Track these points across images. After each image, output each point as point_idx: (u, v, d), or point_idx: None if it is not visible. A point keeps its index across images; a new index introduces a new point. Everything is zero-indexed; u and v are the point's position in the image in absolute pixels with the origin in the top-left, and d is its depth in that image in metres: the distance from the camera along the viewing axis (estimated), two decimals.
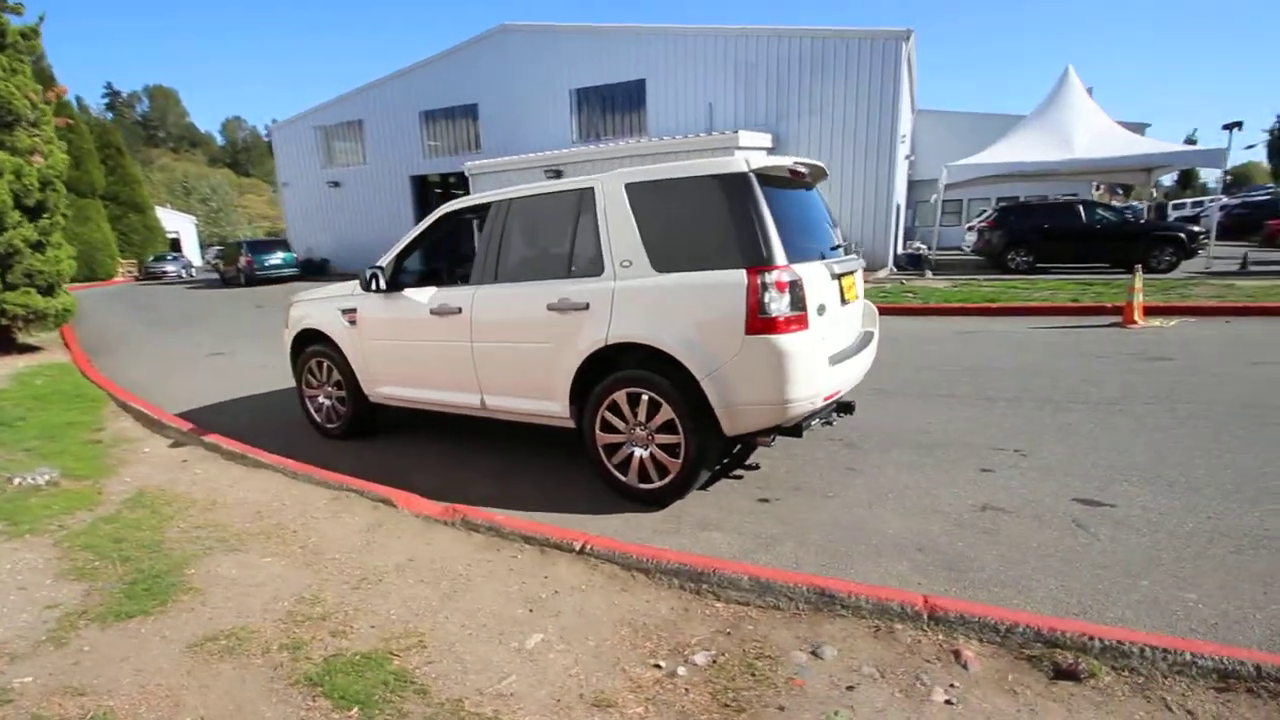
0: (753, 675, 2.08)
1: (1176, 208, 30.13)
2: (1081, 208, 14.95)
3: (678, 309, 3.21)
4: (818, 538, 3.04)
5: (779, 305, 3.02)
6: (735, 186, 3.16)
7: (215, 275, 27.41)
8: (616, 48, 19.27)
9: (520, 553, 2.90)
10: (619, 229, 3.43)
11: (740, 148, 15.12)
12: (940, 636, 2.18)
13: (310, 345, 4.89)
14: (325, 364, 4.80)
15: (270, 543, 3.09)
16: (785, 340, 3.03)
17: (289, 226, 26.63)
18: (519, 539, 2.98)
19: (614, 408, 3.47)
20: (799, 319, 3.08)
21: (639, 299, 3.31)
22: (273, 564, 2.88)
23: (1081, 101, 17.12)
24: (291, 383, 6.89)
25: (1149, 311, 8.05)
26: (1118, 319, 8.12)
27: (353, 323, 4.54)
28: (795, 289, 3.06)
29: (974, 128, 23.62)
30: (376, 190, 23.86)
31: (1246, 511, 3.06)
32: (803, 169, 3.57)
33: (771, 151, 16.83)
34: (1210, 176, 46.90)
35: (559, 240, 3.74)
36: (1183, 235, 13.52)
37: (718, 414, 3.18)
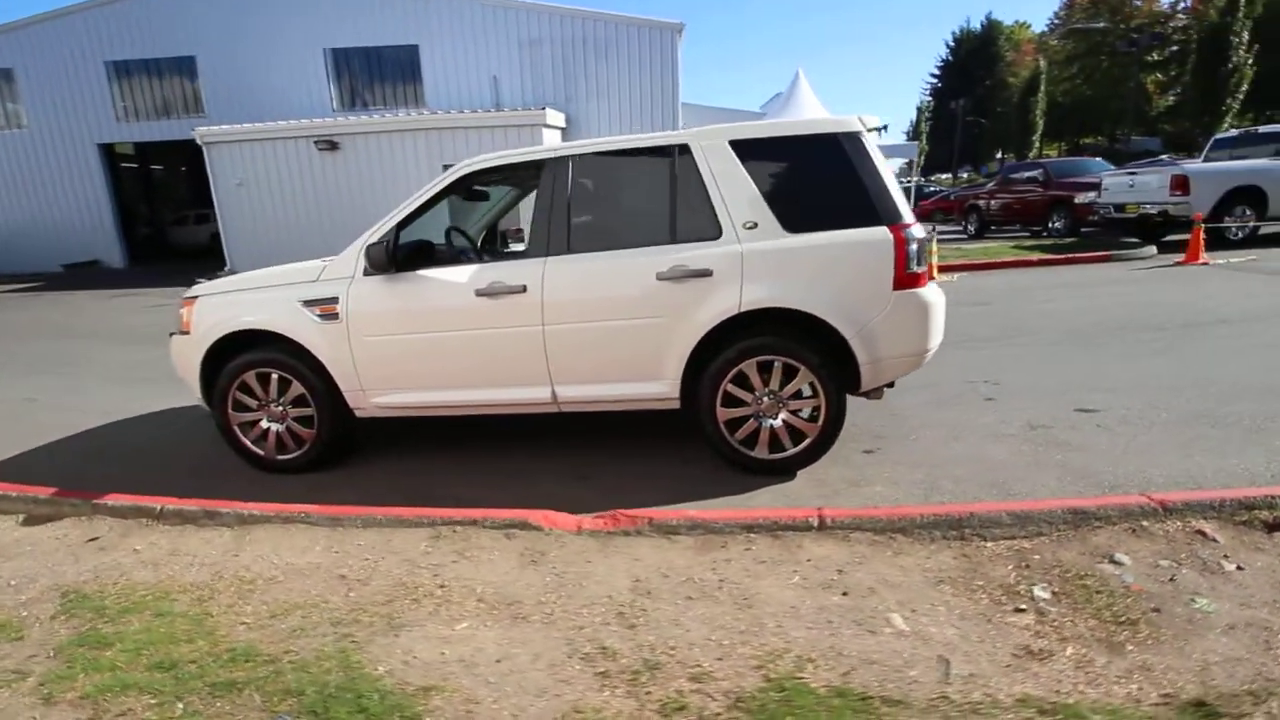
0: (1099, 593, 2.22)
1: None
2: None
3: (820, 270, 3.15)
4: (961, 473, 3.28)
5: (918, 260, 3.15)
6: (857, 144, 3.19)
7: None
8: (379, 5, 17.18)
9: (751, 544, 2.61)
10: (735, 189, 3.20)
11: (547, 125, 14.77)
12: (1178, 523, 2.58)
13: (245, 354, 3.59)
14: (276, 376, 3.58)
15: (427, 606, 2.28)
16: (926, 293, 3.19)
17: None
18: (738, 530, 2.67)
19: (738, 379, 3.27)
20: (927, 273, 3.25)
21: (774, 262, 3.15)
22: (474, 630, 2.14)
23: (810, 100, 20.29)
24: (118, 414, 4.98)
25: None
26: None
27: (329, 317, 3.46)
28: (924, 244, 3.22)
29: (723, 120, 26.40)
30: (44, 162, 17.79)
31: (1183, 401, 4.08)
32: None
33: (564, 132, 16.77)
34: None
35: (651, 202, 3.34)
36: None
37: (862, 371, 3.21)
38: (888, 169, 3.23)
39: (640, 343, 3.28)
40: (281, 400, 3.63)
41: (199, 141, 14.67)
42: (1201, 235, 9.40)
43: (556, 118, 16.06)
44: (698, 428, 3.37)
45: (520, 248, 5.65)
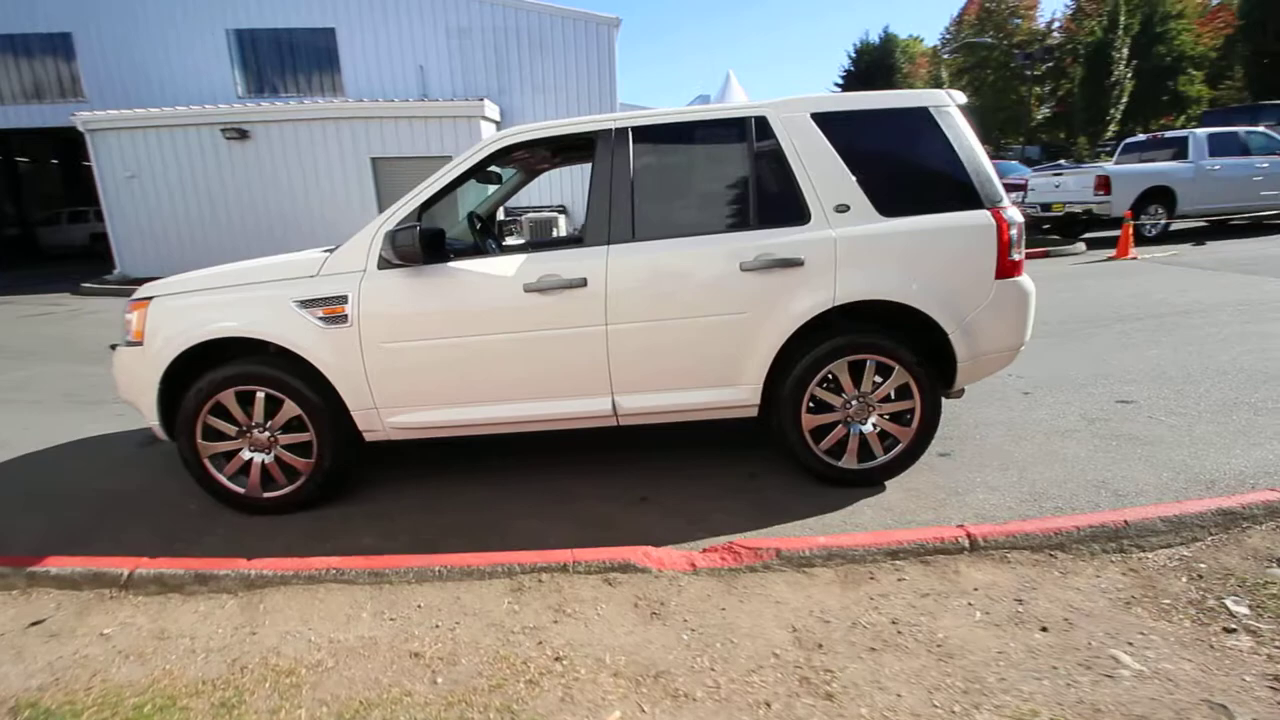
0: None
1: None
2: None
3: (920, 258, 2.85)
4: (1055, 474, 3.08)
5: (1019, 246, 2.92)
6: (951, 120, 2.92)
7: None
8: None
9: (901, 573, 2.25)
10: (822, 167, 2.85)
11: (485, 118, 13.98)
12: None
13: (220, 369, 2.87)
14: (262, 395, 2.88)
15: (552, 690, 1.76)
16: (1026, 282, 2.96)
17: None
18: (882, 557, 2.31)
19: (827, 381, 2.92)
20: (1023, 260, 3.03)
21: (870, 249, 2.82)
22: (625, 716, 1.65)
23: (744, 101, 20.46)
24: (19, 446, 3.98)
25: None
26: None
27: (335, 320, 2.82)
28: (1022, 229, 2.99)
29: None
30: None
31: (1208, 390, 4.11)
32: None
33: (498, 125, 15.98)
34: None
35: (725, 182, 2.94)
36: None
37: (959, 369, 2.94)
38: (982, 148, 2.98)
39: (719, 343, 2.86)
40: (269, 425, 2.93)
41: (81, 128, 12.78)
42: (1130, 232, 10.03)
43: (493, 110, 15.26)
44: (763, 436, 3.00)
45: (516, 241, 5.10)
